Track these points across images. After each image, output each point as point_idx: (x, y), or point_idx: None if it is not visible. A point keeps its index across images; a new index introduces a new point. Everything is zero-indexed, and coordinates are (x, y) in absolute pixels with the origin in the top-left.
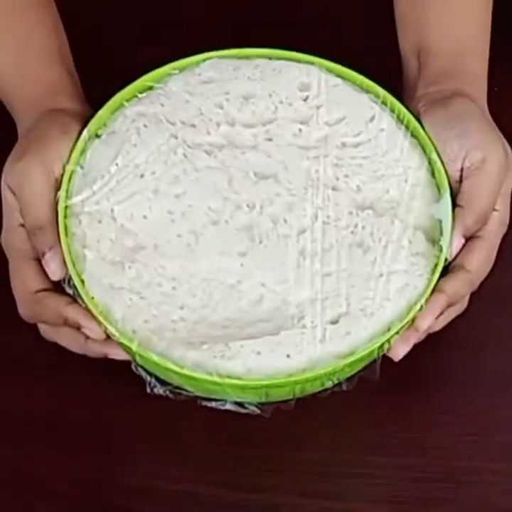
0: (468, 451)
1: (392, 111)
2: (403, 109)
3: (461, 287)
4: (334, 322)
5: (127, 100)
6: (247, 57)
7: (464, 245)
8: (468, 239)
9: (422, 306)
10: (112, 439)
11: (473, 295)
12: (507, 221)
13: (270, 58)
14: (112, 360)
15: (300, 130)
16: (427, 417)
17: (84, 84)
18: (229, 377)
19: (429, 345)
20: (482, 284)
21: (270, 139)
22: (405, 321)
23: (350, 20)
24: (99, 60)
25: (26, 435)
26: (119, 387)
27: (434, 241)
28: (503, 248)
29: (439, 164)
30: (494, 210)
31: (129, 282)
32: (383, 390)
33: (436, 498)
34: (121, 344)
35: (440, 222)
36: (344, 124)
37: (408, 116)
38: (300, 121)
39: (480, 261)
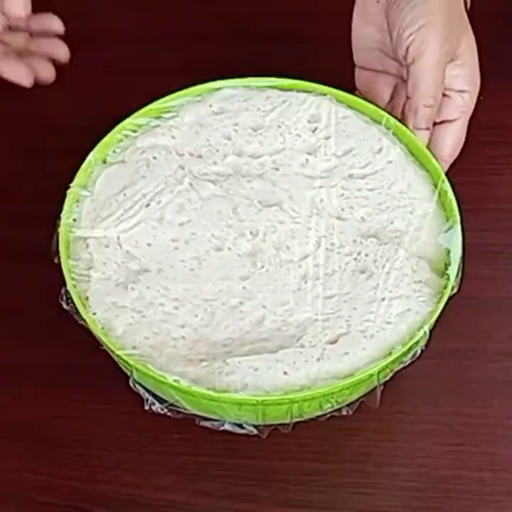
0: (455, 460)
1: (402, 141)
2: (413, 139)
3: None
4: (333, 342)
5: (139, 126)
6: (259, 87)
7: None
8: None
9: (425, 333)
10: (97, 448)
11: (455, 304)
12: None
13: (281, 88)
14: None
15: (307, 160)
16: (412, 427)
17: (95, 106)
18: (225, 392)
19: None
20: (463, 293)
21: (277, 169)
22: (407, 347)
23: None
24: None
25: (12, 445)
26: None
27: (438, 271)
28: (478, 258)
29: (450, 194)
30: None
31: (132, 302)
32: None
33: (422, 507)
34: (119, 358)
35: (448, 251)
36: (352, 155)
37: (419, 146)
38: (307, 152)
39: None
